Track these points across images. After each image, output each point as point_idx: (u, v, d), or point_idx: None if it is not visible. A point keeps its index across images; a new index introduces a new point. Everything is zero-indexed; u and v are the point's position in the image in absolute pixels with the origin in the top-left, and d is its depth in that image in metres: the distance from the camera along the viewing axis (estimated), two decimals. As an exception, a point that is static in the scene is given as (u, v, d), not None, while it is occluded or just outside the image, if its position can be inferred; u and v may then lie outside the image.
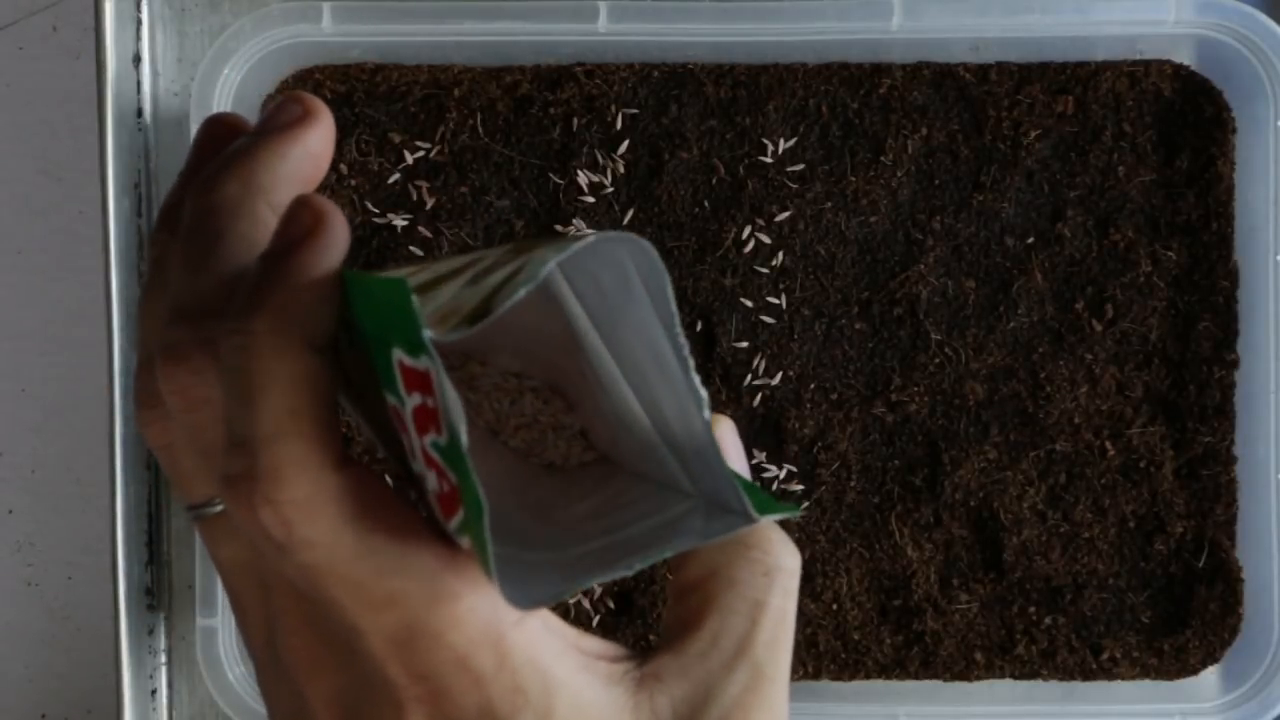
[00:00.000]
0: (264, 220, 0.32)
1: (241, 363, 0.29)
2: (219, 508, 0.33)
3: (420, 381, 0.27)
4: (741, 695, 0.31)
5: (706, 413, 0.30)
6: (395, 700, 0.29)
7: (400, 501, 0.29)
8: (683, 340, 0.29)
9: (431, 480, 0.28)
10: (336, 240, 0.29)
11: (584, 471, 0.34)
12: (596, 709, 0.30)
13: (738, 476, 0.30)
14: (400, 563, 0.29)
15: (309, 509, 0.28)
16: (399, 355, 0.27)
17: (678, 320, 0.29)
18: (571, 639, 0.31)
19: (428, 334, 0.26)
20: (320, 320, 0.29)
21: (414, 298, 0.26)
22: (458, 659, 0.29)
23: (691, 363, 0.29)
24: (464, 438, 0.26)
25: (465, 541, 0.28)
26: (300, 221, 0.29)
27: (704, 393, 0.30)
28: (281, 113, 0.34)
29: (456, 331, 0.26)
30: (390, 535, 0.29)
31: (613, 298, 0.30)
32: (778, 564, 0.33)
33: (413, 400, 0.27)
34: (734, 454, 0.36)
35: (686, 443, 0.31)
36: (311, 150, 0.33)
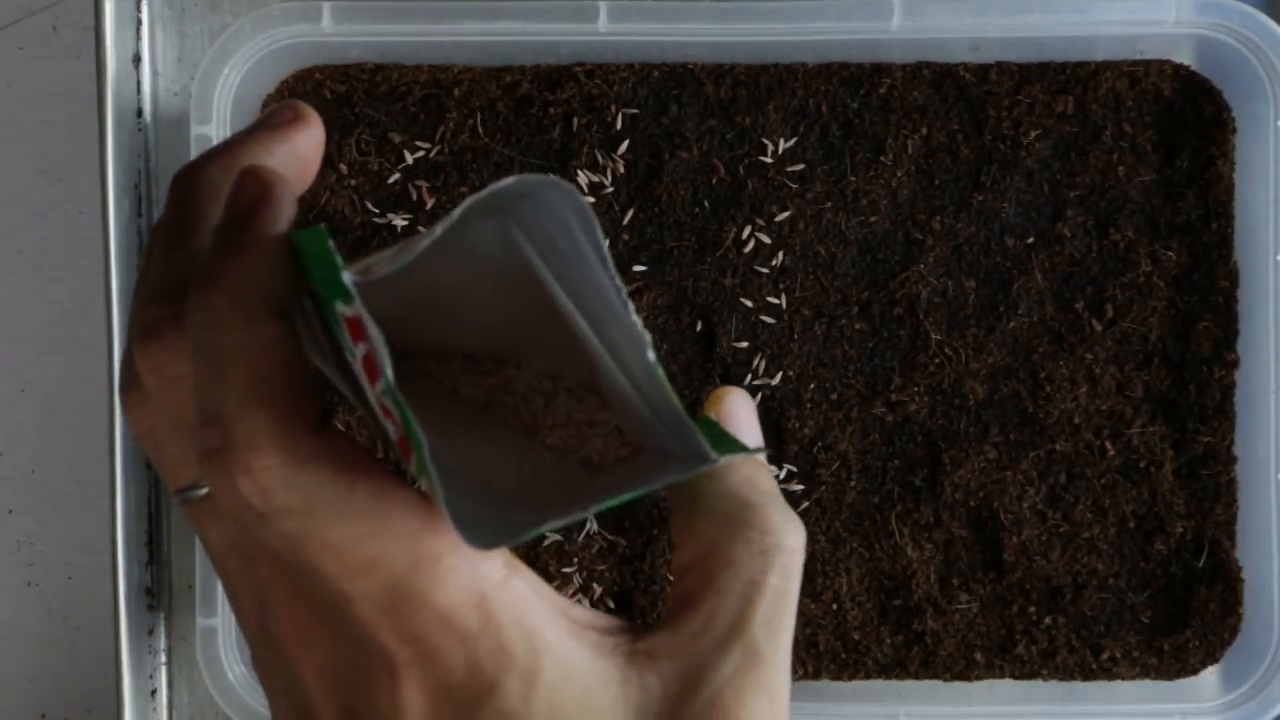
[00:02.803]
0: None
1: (206, 337, 0.29)
2: (205, 490, 0.33)
3: (359, 329, 0.27)
4: (734, 675, 0.31)
5: (650, 354, 0.29)
6: (388, 664, 0.30)
7: (377, 465, 0.30)
8: (619, 282, 0.29)
9: (391, 429, 0.29)
10: (281, 207, 0.30)
11: (620, 467, 0.35)
12: (584, 675, 0.30)
13: (703, 421, 0.30)
14: (379, 525, 0.29)
15: (285, 476, 0.28)
16: (340, 308, 0.28)
17: (610, 261, 0.29)
18: (562, 605, 0.31)
19: (347, 276, 0.27)
20: (275, 286, 0.29)
21: (330, 242, 0.27)
22: (441, 618, 0.29)
23: (631, 305, 0.29)
24: (390, 372, 0.26)
25: (424, 484, 0.28)
26: (246, 192, 0.30)
27: (647, 335, 0.29)
28: (274, 115, 0.34)
29: (384, 269, 0.27)
30: (367, 498, 0.29)
31: (565, 253, 0.30)
32: (777, 543, 0.32)
33: (360, 350, 0.28)
34: (747, 424, 0.36)
35: (648, 390, 0.31)
36: (299, 151, 0.34)
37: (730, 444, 0.30)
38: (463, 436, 0.33)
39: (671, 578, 0.34)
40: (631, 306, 0.29)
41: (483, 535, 0.27)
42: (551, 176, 0.28)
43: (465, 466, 0.32)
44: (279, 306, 0.29)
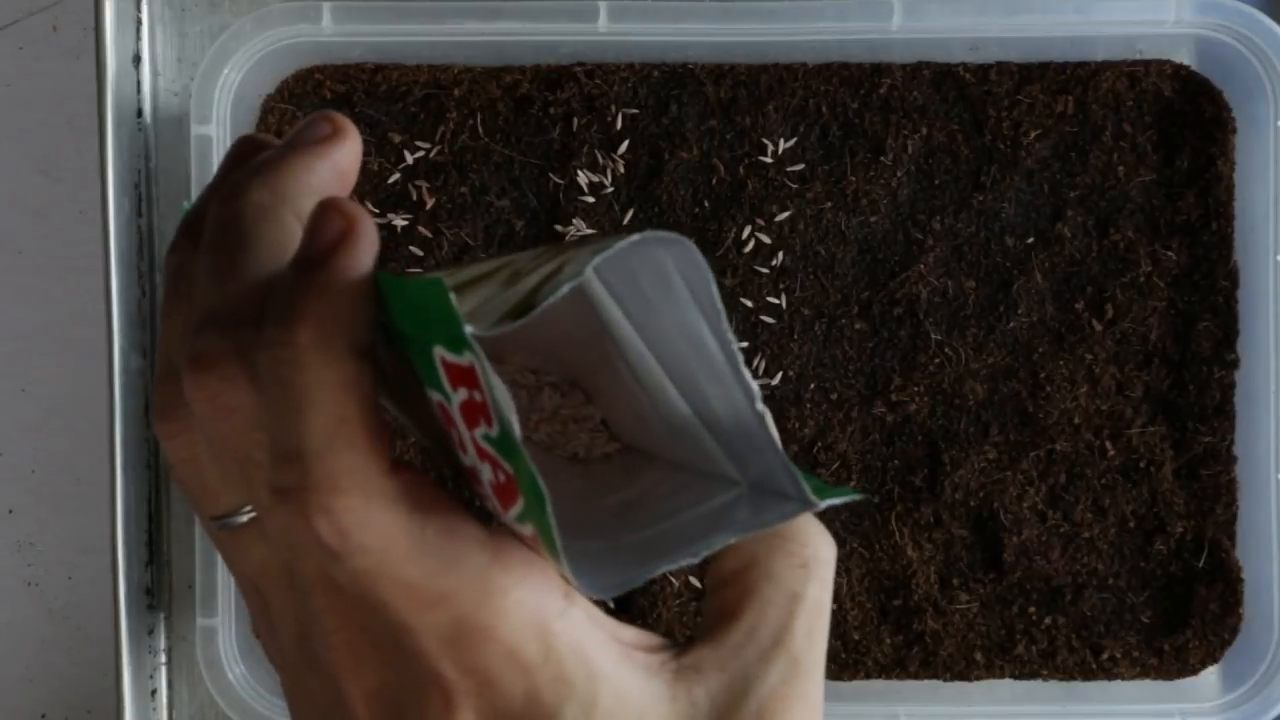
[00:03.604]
0: (291, 229, 0.32)
1: (286, 374, 0.29)
2: (245, 517, 0.33)
3: (465, 376, 0.27)
4: (778, 686, 0.32)
5: (759, 405, 0.30)
6: (445, 692, 0.30)
7: (448, 499, 0.30)
8: (730, 337, 0.30)
9: (486, 472, 0.29)
10: (368, 243, 0.29)
11: (609, 463, 0.35)
12: (638, 699, 0.31)
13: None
14: (450, 562, 0.29)
15: (365, 516, 0.28)
16: (441, 353, 0.28)
17: (724, 317, 0.29)
18: (612, 629, 0.31)
19: (469, 329, 0.26)
20: (360, 325, 0.29)
21: (452, 295, 0.27)
22: (506, 651, 0.29)
23: (740, 358, 0.30)
24: (516, 428, 0.27)
25: (528, 529, 0.28)
26: (330, 226, 0.29)
27: (755, 387, 0.30)
28: (311, 129, 0.34)
29: (499, 326, 0.27)
30: (441, 535, 0.29)
31: (651, 294, 0.31)
32: (815, 555, 0.33)
33: (459, 395, 0.28)
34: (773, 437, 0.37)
35: (736, 433, 0.31)
36: (339, 166, 0.33)
37: (827, 489, 0.31)
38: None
39: (706, 584, 0.34)
40: (741, 359, 0.30)
41: (597, 585, 0.28)
42: (675, 235, 0.28)
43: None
44: (361, 346, 0.29)
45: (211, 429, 0.31)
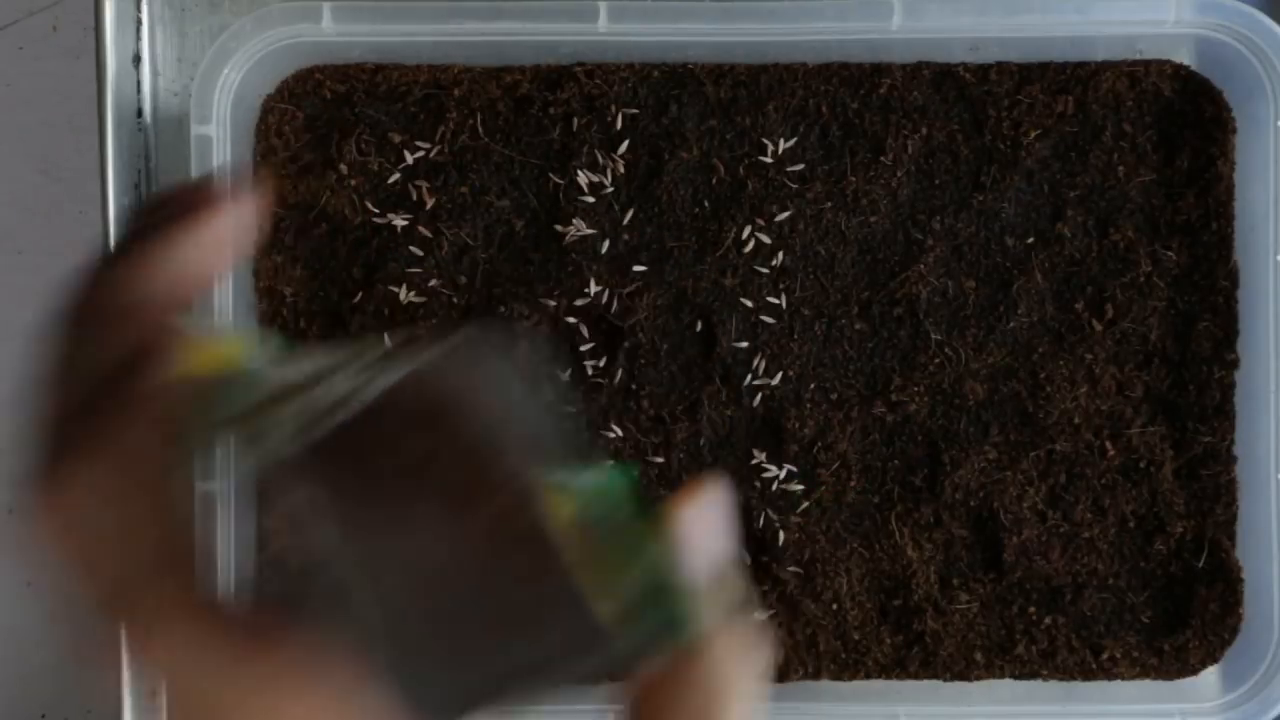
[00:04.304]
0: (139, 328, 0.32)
1: (105, 496, 0.30)
2: None
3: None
4: None
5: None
6: None
7: (277, 627, 0.30)
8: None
9: None
10: (164, 359, 0.30)
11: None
12: None
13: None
14: (268, 681, 0.30)
15: (184, 648, 0.29)
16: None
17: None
18: None
19: (251, 464, 0.28)
20: (165, 442, 0.30)
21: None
22: None
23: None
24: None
25: None
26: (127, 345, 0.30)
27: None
28: (179, 198, 0.33)
29: (278, 454, 0.28)
30: (269, 670, 0.29)
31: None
32: (724, 686, 0.32)
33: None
34: (707, 531, 0.33)
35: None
36: (203, 242, 0.33)
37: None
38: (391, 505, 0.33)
39: (625, 704, 0.34)
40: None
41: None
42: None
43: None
44: (172, 462, 0.29)
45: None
